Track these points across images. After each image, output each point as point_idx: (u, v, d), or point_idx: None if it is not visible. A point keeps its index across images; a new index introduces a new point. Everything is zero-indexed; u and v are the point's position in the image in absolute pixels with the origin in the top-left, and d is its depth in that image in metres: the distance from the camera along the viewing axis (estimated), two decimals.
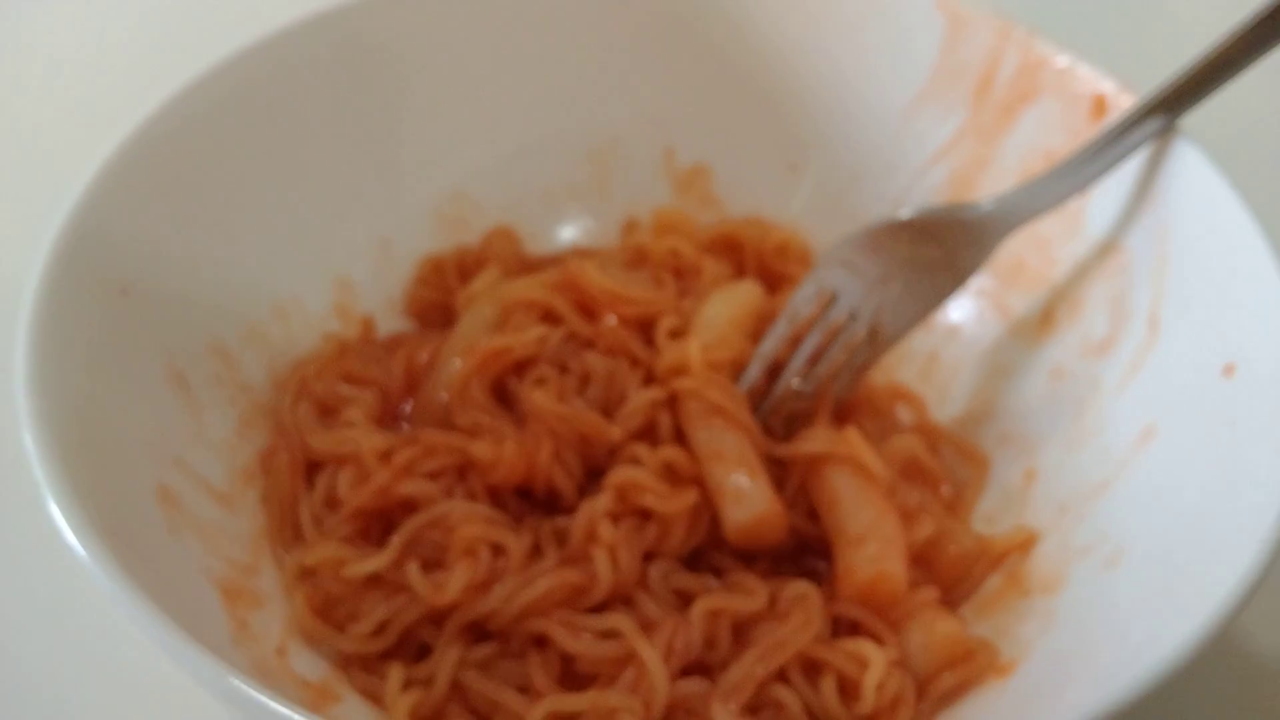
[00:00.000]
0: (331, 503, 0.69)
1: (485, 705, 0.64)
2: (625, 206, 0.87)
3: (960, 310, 0.80)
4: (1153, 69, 0.71)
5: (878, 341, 0.74)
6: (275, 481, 0.70)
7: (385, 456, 0.68)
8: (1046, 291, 0.76)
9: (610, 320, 0.74)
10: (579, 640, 0.63)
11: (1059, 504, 0.69)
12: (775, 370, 0.74)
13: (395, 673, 0.63)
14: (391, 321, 0.82)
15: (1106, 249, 0.74)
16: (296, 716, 0.49)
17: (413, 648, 0.66)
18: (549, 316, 0.74)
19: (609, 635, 0.64)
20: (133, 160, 0.69)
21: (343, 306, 0.80)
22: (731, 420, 0.69)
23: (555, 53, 0.84)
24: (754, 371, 0.73)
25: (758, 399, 0.73)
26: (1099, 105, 0.75)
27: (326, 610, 0.65)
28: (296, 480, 0.70)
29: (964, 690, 0.64)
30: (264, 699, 0.49)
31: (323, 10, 0.78)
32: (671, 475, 0.68)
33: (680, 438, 0.70)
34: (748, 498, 0.67)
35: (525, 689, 0.64)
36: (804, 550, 0.70)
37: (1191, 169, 0.69)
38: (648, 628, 0.64)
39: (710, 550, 0.69)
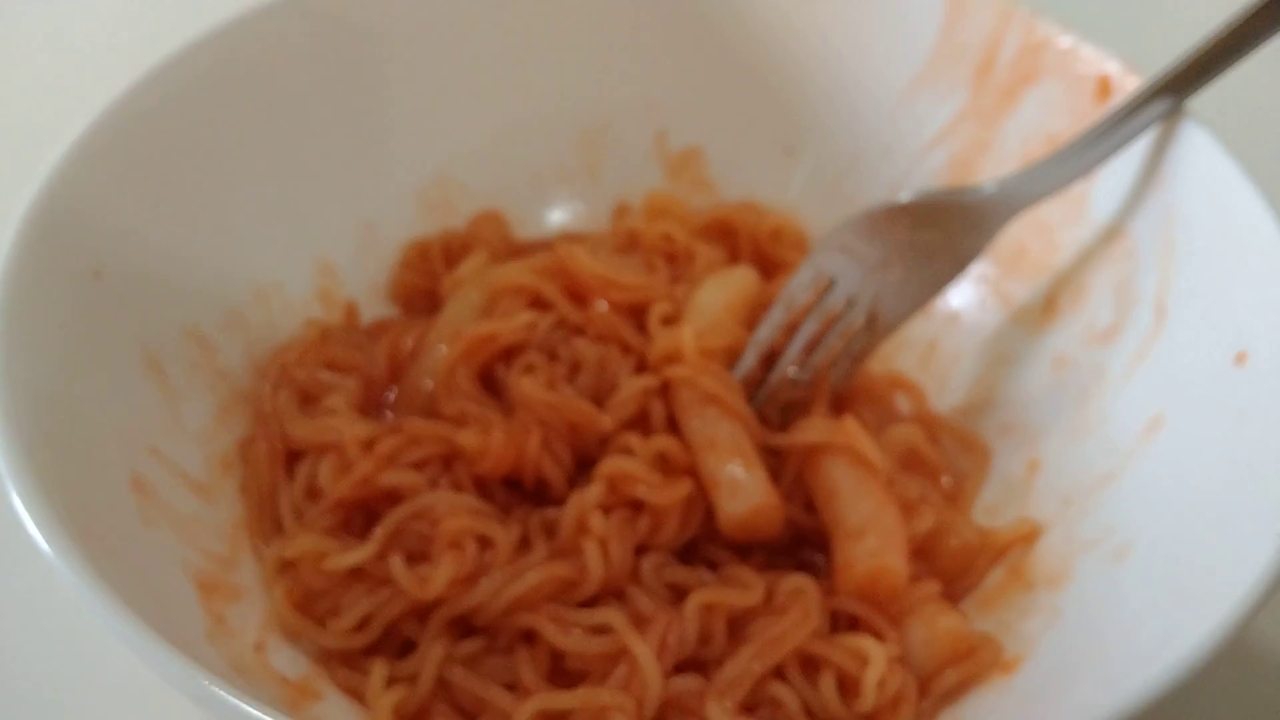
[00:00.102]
0: (312, 493, 0.68)
1: (472, 703, 0.62)
2: (616, 190, 0.86)
3: (960, 297, 0.79)
4: (1159, 49, 0.70)
5: (876, 329, 0.73)
6: (254, 471, 0.69)
7: (368, 445, 0.67)
8: (1049, 278, 0.75)
9: (601, 306, 0.73)
10: (569, 636, 0.62)
11: (1063, 496, 0.68)
12: (771, 358, 0.73)
13: (378, 669, 0.62)
14: (375, 307, 0.81)
15: (1111, 234, 0.72)
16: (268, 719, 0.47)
17: (396, 643, 0.64)
18: (538, 302, 0.73)
19: (600, 631, 0.62)
20: (105, 139, 0.67)
21: (325, 291, 0.79)
22: (726, 409, 0.68)
23: (545, 31, 0.83)
24: (749, 359, 0.72)
25: (753, 388, 0.72)
26: (1103, 87, 0.74)
27: (307, 604, 0.64)
28: (276, 470, 0.68)
29: (967, 687, 0.63)
30: (235, 700, 0.47)
31: None
32: (664, 465, 0.67)
33: (673, 427, 0.69)
34: (743, 489, 0.66)
35: (513, 686, 0.62)
36: (801, 543, 0.69)
37: (1199, 152, 0.68)
38: (640, 623, 0.63)
39: (704, 543, 0.68)
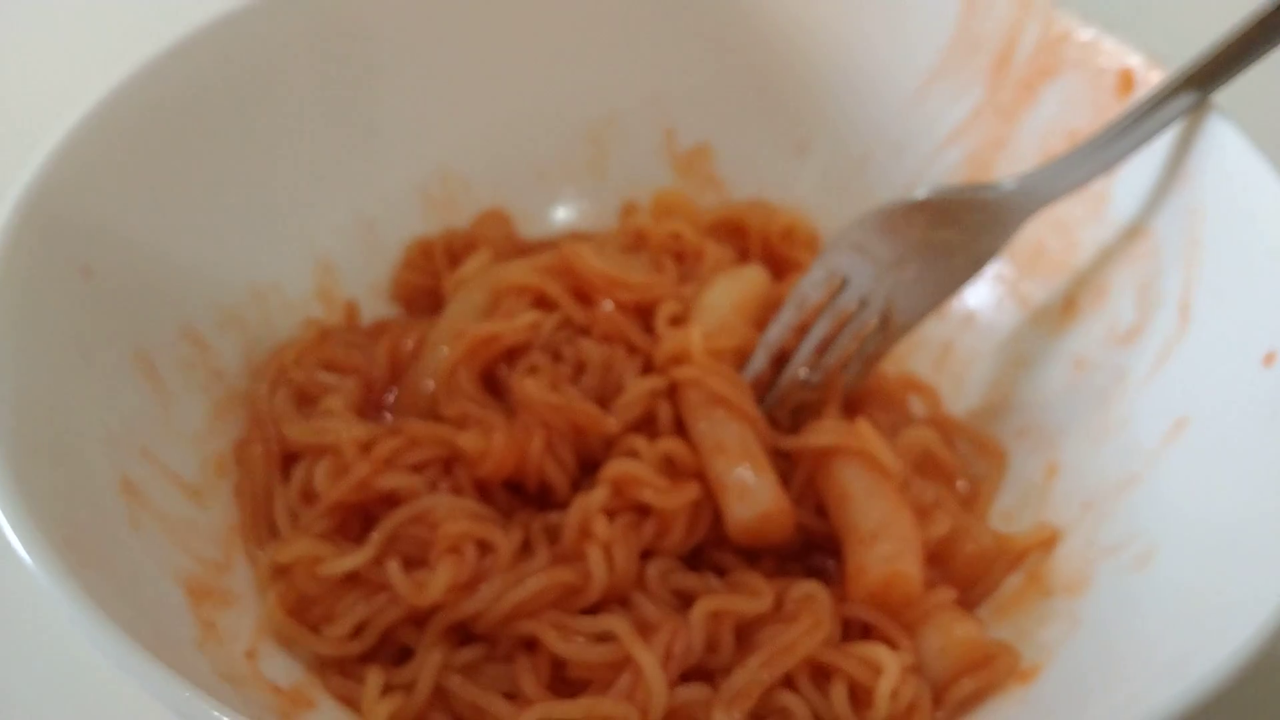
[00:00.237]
0: (308, 496, 0.67)
1: (470, 712, 0.61)
2: (623, 188, 0.85)
3: (977, 297, 0.77)
4: (1184, 42, 0.69)
5: (890, 329, 0.72)
6: (249, 473, 0.68)
7: (366, 448, 0.66)
8: (1069, 277, 0.74)
9: (607, 306, 0.72)
10: (571, 643, 0.61)
11: (1083, 501, 0.67)
12: (781, 359, 0.72)
13: (374, 677, 0.61)
14: (377, 307, 0.79)
15: (1133, 232, 0.71)
16: None
17: (393, 651, 0.63)
18: (542, 302, 0.72)
19: (603, 638, 0.61)
20: (94, 134, 0.66)
21: (325, 291, 0.77)
22: (735, 411, 0.67)
23: (550, 24, 0.82)
24: (759, 360, 0.71)
25: (763, 389, 0.71)
26: (1126, 80, 0.72)
27: (301, 610, 0.63)
28: (272, 472, 0.68)
29: (983, 697, 0.62)
30: (216, 713, 0.46)
31: None
32: (671, 469, 0.66)
33: (681, 429, 0.68)
34: (752, 493, 0.65)
35: (513, 695, 0.61)
36: (812, 548, 0.68)
37: (1226, 147, 0.66)
38: (645, 630, 0.62)
39: (712, 548, 0.67)
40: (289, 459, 0.68)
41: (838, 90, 0.82)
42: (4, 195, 0.62)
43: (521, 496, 0.67)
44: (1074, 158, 0.70)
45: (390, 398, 0.72)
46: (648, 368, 0.70)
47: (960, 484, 0.72)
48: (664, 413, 0.68)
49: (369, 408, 0.71)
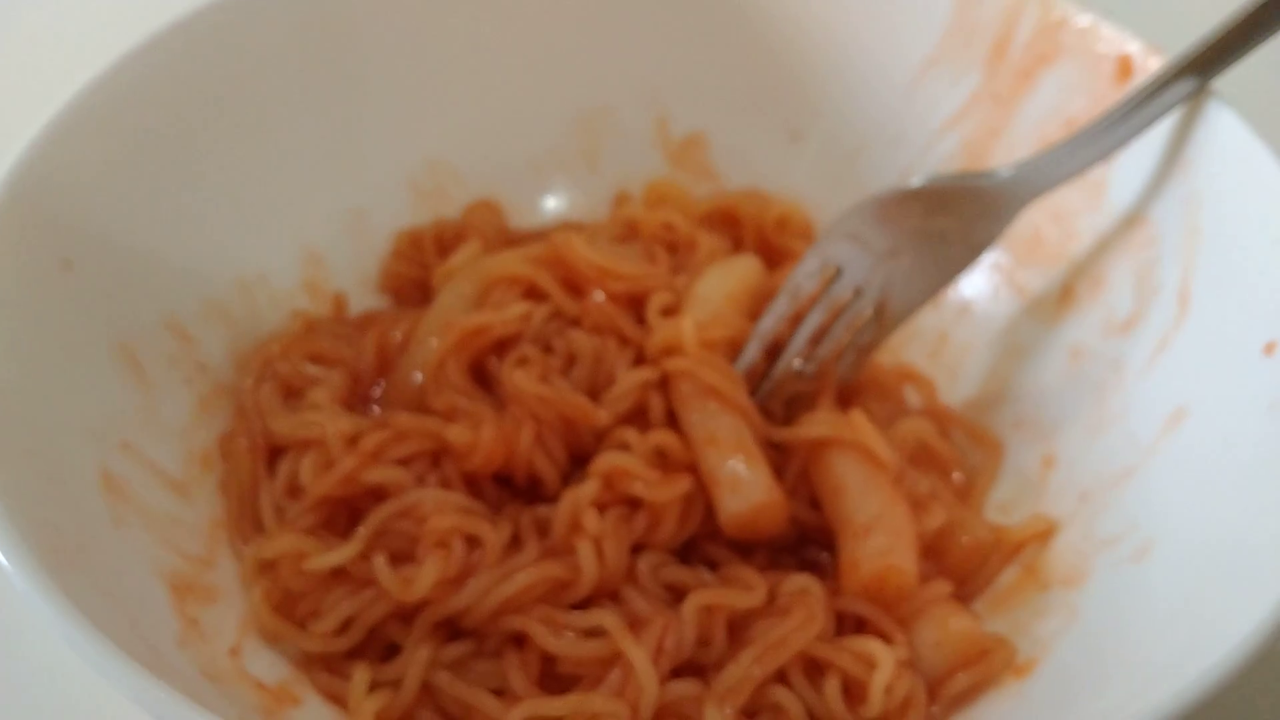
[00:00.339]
0: (294, 491, 0.66)
1: (458, 709, 0.61)
2: (615, 178, 0.84)
3: (973, 286, 0.77)
4: (1183, 28, 0.68)
5: (885, 319, 0.72)
6: (234, 467, 0.67)
7: (352, 441, 0.65)
8: (1066, 266, 0.73)
9: (598, 297, 0.71)
10: (561, 639, 0.61)
11: (1080, 492, 0.67)
12: (775, 350, 0.71)
13: (360, 673, 0.61)
14: (365, 298, 0.79)
15: (1131, 221, 0.70)
16: None
17: (380, 647, 0.63)
18: (532, 293, 0.72)
19: (593, 633, 0.61)
20: (76, 126, 0.65)
21: (312, 282, 0.77)
22: (727, 402, 0.67)
23: (542, 12, 0.81)
24: (752, 351, 0.70)
25: (756, 380, 0.70)
26: (1124, 67, 0.72)
27: (287, 606, 0.62)
28: (257, 466, 0.67)
29: (979, 692, 0.61)
30: (193, 715, 0.45)
31: None
32: (663, 461, 0.66)
33: (672, 421, 0.67)
34: (745, 485, 0.64)
35: (502, 691, 0.61)
36: (805, 541, 0.68)
37: (1226, 134, 0.66)
38: (636, 625, 0.61)
39: (704, 542, 0.66)
40: (274, 453, 0.68)
41: (832, 78, 0.82)
42: None
43: (511, 490, 0.67)
44: (1071, 145, 0.69)
45: (378, 390, 0.71)
46: (639, 359, 0.69)
47: (956, 476, 0.71)
48: (656, 405, 0.68)
49: (356, 401, 0.71)
